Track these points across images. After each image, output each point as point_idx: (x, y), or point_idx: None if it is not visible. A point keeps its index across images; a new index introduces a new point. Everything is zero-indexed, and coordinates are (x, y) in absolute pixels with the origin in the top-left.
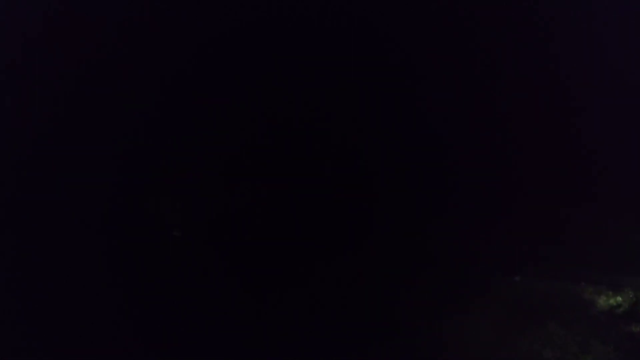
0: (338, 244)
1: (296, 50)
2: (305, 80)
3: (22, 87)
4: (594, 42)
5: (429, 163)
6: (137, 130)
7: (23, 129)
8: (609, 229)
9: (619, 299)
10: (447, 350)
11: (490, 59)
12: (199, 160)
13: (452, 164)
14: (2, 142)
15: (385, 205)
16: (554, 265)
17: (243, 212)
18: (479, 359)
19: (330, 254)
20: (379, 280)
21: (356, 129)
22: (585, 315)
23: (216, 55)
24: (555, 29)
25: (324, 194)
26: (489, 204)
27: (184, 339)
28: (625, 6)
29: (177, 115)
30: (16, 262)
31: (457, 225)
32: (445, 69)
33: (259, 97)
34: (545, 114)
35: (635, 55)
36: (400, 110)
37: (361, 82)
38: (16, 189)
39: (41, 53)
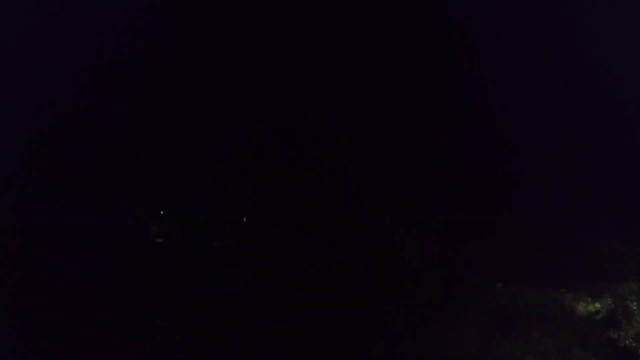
0: (324, 253)
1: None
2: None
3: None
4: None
5: (418, 175)
6: (127, 140)
7: (21, 132)
8: (588, 239)
9: (598, 305)
10: (432, 357)
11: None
12: (187, 167)
13: (440, 177)
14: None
15: (371, 213)
16: (536, 273)
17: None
18: None
19: (316, 263)
20: (364, 288)
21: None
22: (566, 322)
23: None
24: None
25: (313, 192)
26: (474, 214)
27: (171, 339)
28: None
29: (164, 125)
30: (13, 266)
31: (442, 234)
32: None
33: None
34: (528, 132)
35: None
36: (397, 122)
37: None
38: (14, 192)
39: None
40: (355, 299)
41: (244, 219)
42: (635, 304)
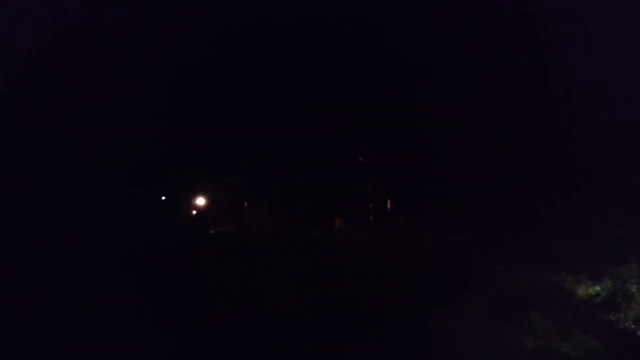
0: (325, 237)
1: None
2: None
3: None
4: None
5: (419, 159)
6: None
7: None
8: (589, 223)
9: (598, 288)
10: (435, 339)
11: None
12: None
13: (441, 161)
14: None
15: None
16: (537, 257)
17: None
18: (465, 348)
19: (319, 248)
20: (368, 274)
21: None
22: (566, 305)
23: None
24: None
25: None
26: (476, 199)
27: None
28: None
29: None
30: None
31: (444, 219)
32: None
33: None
34: (528, 118)
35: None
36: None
37: None
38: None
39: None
40: (357, 283)
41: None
42: (635, 287)
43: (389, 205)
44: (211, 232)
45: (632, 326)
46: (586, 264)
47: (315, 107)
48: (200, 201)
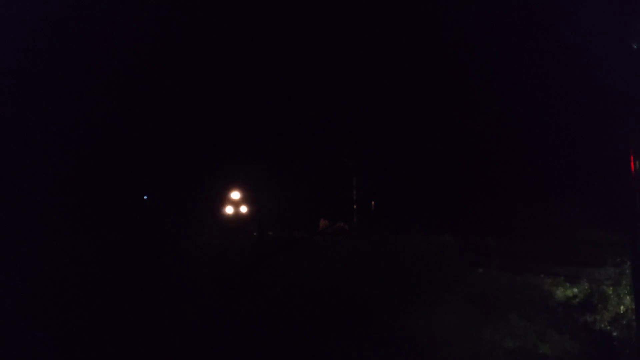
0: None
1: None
2: None
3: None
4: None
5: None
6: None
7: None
8: (567, 226)
9: (575, 290)
10: (415, 339)
11: None
12: None
13: (422, 165)
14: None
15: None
16: (516, 259)
17: None
18: (445, 348)
19: (302, 246)
20: (349, 272)
21: None
22: (544, 306)
23: None
24: None
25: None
26: (459, 201)
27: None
28: None
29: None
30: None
31: (427, 220)
32: None
33: None
34: (511, 125)
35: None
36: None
37: None
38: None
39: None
40: (339, 282)
41: None
42: (611, 288)
43: (373, 206)
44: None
45: (608, 327)
46: (564, 266)
47: (299, 107)
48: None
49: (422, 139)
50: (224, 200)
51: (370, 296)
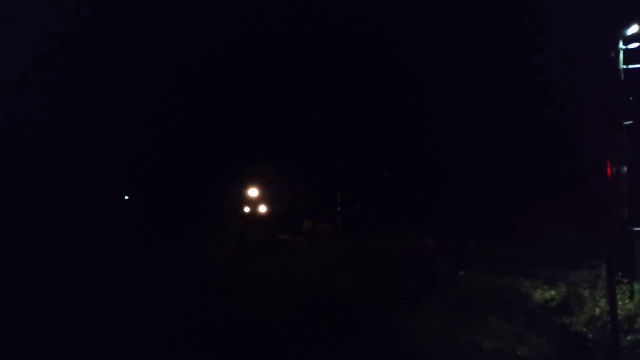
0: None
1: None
2: None
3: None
4: None
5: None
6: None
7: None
8: (546, 230)
9: (553, 292)
10: (396, 342)
11: None
12: None
13: (410, 168)
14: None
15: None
16: (497, 261)
17: None
18: (426, 350)
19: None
20: (333, 274)
21: None
22: (523, 309)
23: None
24: None
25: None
26: (440, 205)
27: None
28: None
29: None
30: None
31: (410, 223)
32: None
33: None
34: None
35: None
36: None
37: None
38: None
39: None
40: (322, 284)
41: None
42: (587, 291)
43: (357, 209)
44: None
45: (584, 329)
46: (543, 269)
47: (285, 110)
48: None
49: (407, 144)
50: (207, 202)
51: (353, 298)
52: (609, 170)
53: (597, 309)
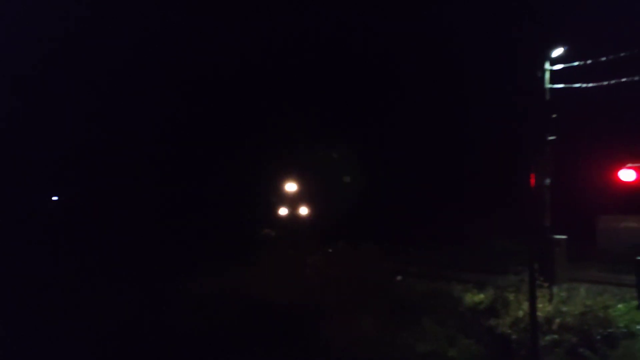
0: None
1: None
2: None
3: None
4: None
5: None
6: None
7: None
8: (478, 236)
9: (482, 296)
10: (333, 345)
11: None
12: None
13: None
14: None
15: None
16: (433, 266)
17: None
18: (361, 353)
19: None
20: (275, 281)
21: None
22: (455, 312)
23: None
24: None
25: None
26: (382, 212)
27: None
28: None
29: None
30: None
31: (353, 229)
32: None
33: None
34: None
35: None
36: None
37: None
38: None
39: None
40: (263, 291)
41: None
42: (512, 295)
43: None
44: None
45: (508, 330)
46: (474, 274)
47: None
48: None
49: (347, 152)
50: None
51: (293, 305)
52: (532, 181)
53: (521, 312)
